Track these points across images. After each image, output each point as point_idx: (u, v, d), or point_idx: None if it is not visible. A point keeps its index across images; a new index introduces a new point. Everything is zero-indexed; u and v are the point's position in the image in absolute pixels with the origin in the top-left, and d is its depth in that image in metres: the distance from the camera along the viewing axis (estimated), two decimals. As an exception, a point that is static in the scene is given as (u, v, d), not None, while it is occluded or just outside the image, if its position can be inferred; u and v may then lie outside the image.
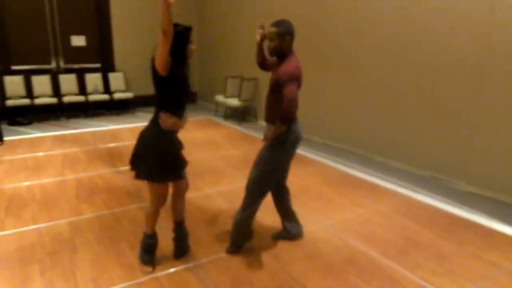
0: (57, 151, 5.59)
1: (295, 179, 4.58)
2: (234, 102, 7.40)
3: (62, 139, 6.25)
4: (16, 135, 6.45)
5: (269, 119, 2.78)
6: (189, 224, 3.44)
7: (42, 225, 3.38)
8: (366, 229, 3.41)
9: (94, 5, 8.29)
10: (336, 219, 3.60)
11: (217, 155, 5.48)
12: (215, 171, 4.85)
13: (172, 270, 2.76)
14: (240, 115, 7.60)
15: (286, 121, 2.58)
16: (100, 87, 8.28)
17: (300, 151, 5.73)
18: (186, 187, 2.88)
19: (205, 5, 9.05)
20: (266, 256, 2.96)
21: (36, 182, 4.39)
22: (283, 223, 3.23)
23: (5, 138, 6.09)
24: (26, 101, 7.45)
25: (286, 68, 2.61)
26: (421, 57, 4.63)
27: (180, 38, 2.39)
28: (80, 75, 8.14)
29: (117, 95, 8.28)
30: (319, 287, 2.61)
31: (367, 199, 4.05)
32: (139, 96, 8.48)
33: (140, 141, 2.58)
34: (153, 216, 2.73)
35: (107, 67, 8.51)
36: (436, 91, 4.54)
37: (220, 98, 7.77)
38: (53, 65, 8.06)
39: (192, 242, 3.09)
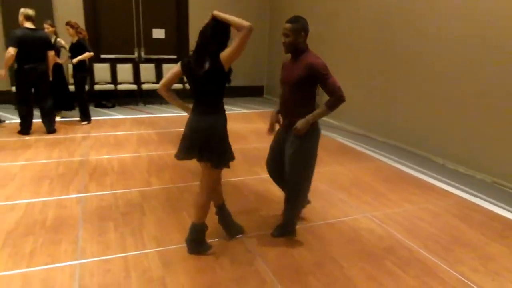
0: (134, 132, 6.23)
1: (347, 172, 4.71)
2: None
3: (139, 122, 6.93)
4: (101, 116, 7.26)
5: (295, 115, 2.80)
6: (242, 203, 3.77)
7: (118, 191, 3.91)
8: (412, 224, 3.48)
9: (174, 1, 8.97)
10: (383, 212, 3.70)
11: (276, 145, 5.75)
12: (272, 159, 5.12)
13: (219, 239, 3.09)
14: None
15: (333, 109, 2.78)
16: (175, 77, 8.93)
17: (359, 147, 5.81)
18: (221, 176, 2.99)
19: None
20: (309, 236, 3.18)
21: (115, 156, 5.00)
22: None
23: (92, 118, 6.89)
24: (111, 87, 8.31)
25: (316, 61, 2.71)
26: (488, 61, 4.50)
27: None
28: (158, 65, 8.86)
29: (190, 85, 8.88)
30: (354, 267, 2.78)
31: (418, 197, 4.08)
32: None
33: (207, 130, 2.63)
34: (205, 205, 2.80)
35: (182, 58, 9.14)
36: (504, 95, 4.39)
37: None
38: (135, 55, 8.88)
39: (244, 219, 3.39)
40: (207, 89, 2.62)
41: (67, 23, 6.35)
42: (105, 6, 8.44)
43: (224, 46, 2.54)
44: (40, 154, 4.95)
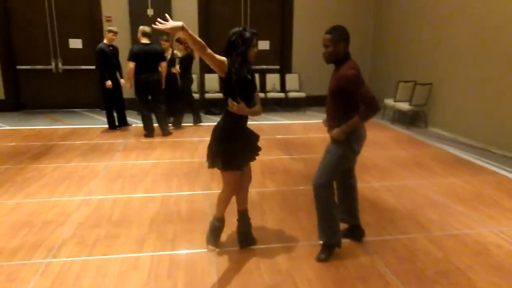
0: (243, 137, 6.64)
1: (465, 185, 4.50)
2: (404, 106, 7.42)
3: (246, 128, 7.34)
4: (209, 122, 7.82)
5: (334, 125, 2.82)
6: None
7: (238, 190, 4.24)
8: (547, 242, 3.23)
9: (280, 13, 9.37)
10: (511, 227, 3.48)
11: (383, 154, 5.70)
12: (381, 167, 5.10)
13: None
14: (409, 119, 7.56)
15: (366, 119, 2.73)
16: (277, 86, 9.30)
17: (476, 160, 5.49)
18: (249, 180, 3.08)
19: (383, 6, 9.20)
20: (429, 245, 3.14)
21: (230, 158, 5.40)
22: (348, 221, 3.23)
23: (202, 124, 7.47)
24: (219, 95, 8.92)
25: (348, 72, 2.68)
26: None
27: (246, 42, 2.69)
28: (262, 75, 9.29)
29: (291, 94, 9.18)
30: (483, 280, 2.69)
31: (551, 215, 3.75)
32: (310, 96, 9.20)
33: (212, 133, 2.85)
34: (223, 201, 3.00)
35: (285, 69, 9.51)
36: None
37: (389, 101, 7.87)
38: (242, 65, 9.42)
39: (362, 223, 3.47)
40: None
41: (177, 40, 7.02)
42: (216, 21, 9.14)
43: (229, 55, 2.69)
44: (165, 154, 5.55)
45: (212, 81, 9.09)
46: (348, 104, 2.78)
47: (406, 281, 2.67)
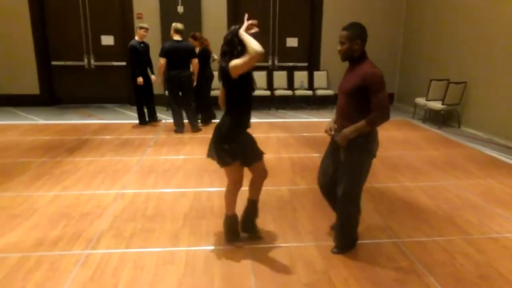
0: (271, 135, 6.63)
1: (504, 187, 4.37)
2: (436, 105, 7.24)
3: (273, 126, 7.33)
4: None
5: (347, 125, 2.72)
6: (388, 207, 3.77)
7: (269, 188, 4.20)
8: None
9: (309, 10, 9.30)
10: (554, 233, 3.35)
11: (415, 154, 5.58)
12: (414, 167, 4.99)
13: (375, 240, 3.16)
14: (442, 119, 7.38)
15: (374, 126, 2.64)
16: (305, 83, 9.24)
17: None
18: (262, 176, 3.07)
19: (415, 1, 8.99)
20: (469, 248, 3.06)
21: (259, 155, 5.40)
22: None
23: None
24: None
25: (373, 70, 2.62)
26: None
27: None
28: (290, 72, 9.25)
29: (319, 92, 9.10)
30: (530, 287, 2.60)
31: None
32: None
33: (215, 130, 2.90)
34: (230, 197, 3.00)
35: (313, 66, 9.43)
36: None
37: (421, 100, 7.69)
38: (269, 63, 9.41)
39: (393, 222, 3.41)
40: (225, 92, 2.85)
41: (191, 36, 7.02)
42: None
43: (233, 55, 2.68)
44: (195, 150, 5.61)
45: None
46: (366, 104, 2.65)
47: (446, 284, 2.61)
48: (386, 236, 3.25)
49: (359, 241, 3.08)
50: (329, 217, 3.54)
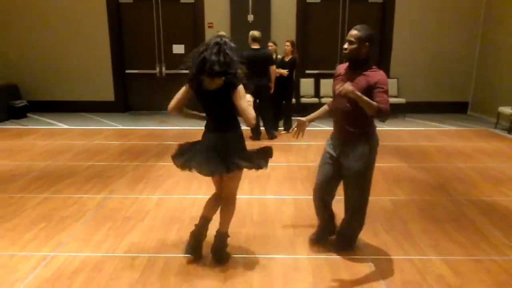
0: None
1: None
2: (524, 114, 6.85)
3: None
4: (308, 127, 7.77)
5: (353, 129, 2.71)
6: (508, 222, 3.58)
7: (371, 197, 4.12)
8: None
9: (379, 17, 9.15)
10: None
11: None
12: (516, 180, 4.73)
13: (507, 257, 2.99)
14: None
15: (380, 115, 2.52)
16: (374, 91, 9.04)
17: None
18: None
19: (496, 3, 8.59)
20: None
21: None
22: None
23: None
24: (315, 100, 8.90)
25: (381, 73, 2.63)
26: None
27: None
28: (358, 80, 9.10)
29: (390, 100, 8.85)
30: None
31: None
32: (410, 102, 8.84)
33: (216, 145, 2.79)
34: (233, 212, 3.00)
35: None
36: None
37: (505, 109, 7.30)
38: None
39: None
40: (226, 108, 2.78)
41: (291, 41, 7.04)
42: (314, 26, 9.15)
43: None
44: (279, 157, 5.60)
45: (307, 85, 9.10)
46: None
47: None
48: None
49: (490, 257, 2.93)
50: (445, 230, 3.42)
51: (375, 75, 2.62)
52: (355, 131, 2.73)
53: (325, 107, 3.06)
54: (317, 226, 3.23)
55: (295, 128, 3.01)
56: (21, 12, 8.87)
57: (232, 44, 2.68)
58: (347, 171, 2.80)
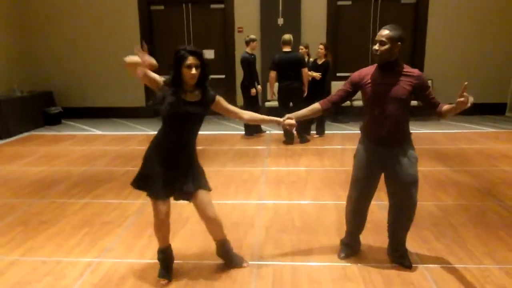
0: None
1: None
2: None
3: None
4: (335, 130, 7.62)
5: (401, 134, 2.67)
6: None
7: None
8: None
9: (412, 18, 8.93)
10: None
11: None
12: None
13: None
14: None
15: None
16: (407, 93, 8.81)
17: None
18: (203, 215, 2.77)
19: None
20: None
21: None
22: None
23: (326, 132, 7.26)
24: (347, 103, 8.70)
25: (419, 71, 2.64)
26: None
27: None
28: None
29: (424, 102, 8.61)
30: None
31: None
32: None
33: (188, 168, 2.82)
34: (156, 231, 2.71)
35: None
36: None
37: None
38: (368, 72, 9.14)
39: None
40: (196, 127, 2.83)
41: (324, 44, 6.92)
42: (346, 28, 9.03)
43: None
44: (314, 161, 5.51)
45: (338, 88, 8.94)
46: (409, 110, 2.68)
47: None
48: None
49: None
50: (501, 238, 3.24)
51: (416, 73, 2.61)
52: (404, 135, 2.69)
53: (316, 106, 2.94)
54: (344, 241, 3.06)
55: (288, 127, 3.06)
56: (56, 21, 9.12)
57: None
58: (404, 178, 2.66)
